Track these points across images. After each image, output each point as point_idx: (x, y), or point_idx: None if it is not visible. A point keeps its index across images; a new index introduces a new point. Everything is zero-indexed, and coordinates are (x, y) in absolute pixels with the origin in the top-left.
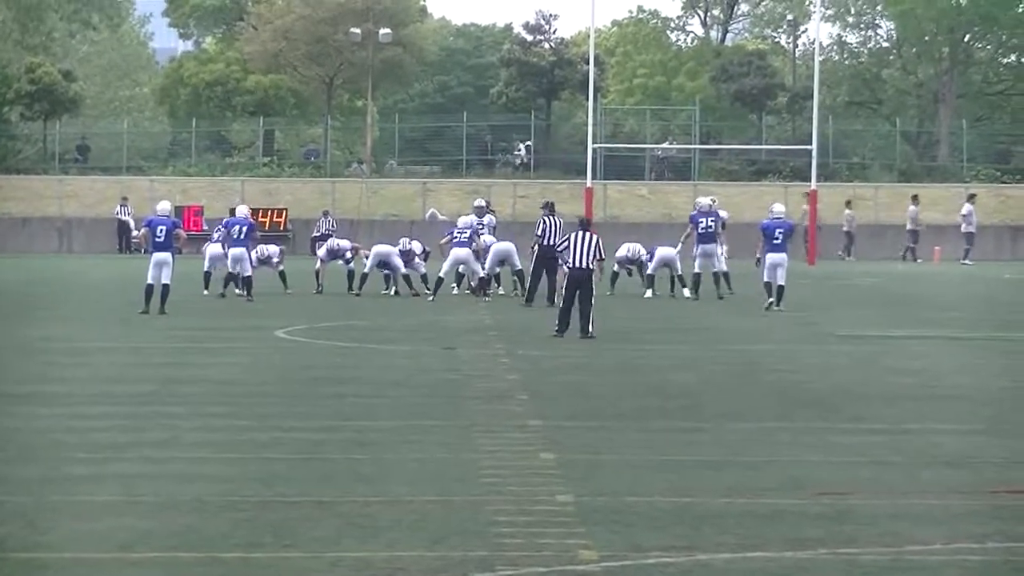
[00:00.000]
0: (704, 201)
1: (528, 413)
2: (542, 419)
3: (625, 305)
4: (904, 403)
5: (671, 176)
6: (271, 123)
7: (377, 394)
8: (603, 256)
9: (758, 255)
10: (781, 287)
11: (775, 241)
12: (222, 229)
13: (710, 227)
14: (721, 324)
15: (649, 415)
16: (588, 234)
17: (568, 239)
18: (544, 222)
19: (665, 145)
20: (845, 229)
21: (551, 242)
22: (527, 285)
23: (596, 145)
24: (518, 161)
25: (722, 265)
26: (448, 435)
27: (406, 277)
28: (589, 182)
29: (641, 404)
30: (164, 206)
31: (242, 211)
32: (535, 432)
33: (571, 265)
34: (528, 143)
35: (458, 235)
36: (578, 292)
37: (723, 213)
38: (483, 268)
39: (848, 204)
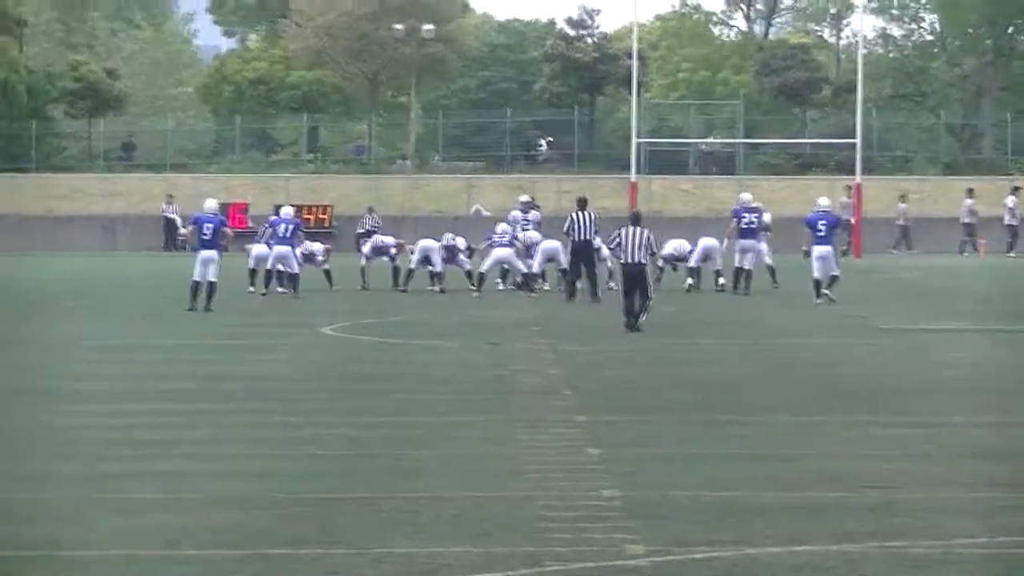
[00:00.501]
0: (747, 196)
1: (573, 408)
2: (587, 414)
3: (669, 299)
4: (946, 396)
5: (715, 171)
6: (315, 120)
7: (421, 390)
8: (656, 251)
9: (806, 248)
10: (834, 276)
11: (819, 233)
12: (268, 228)
13: (752, 223)
14: (764, 318)
15: (693, 409)
16: (640, 229)
17: (620, 234)
18: (571, 218)
19: (709, 140)
20: (900, 223)
21: (582, 237)
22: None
23: (640, 140)
24: (541, 158)
25: (767, 259)
26: (492, 430)
27: (440, 274)
28: (633, 176)
29: (685, 398)
30: (211, 204)
31: (287, 211)
32: (580, 427)
33: (624, 260)
34: (550, 139)
35: (499, 239)
36: (635, 286)
37: (766, 215)
38: (527, 264)
39: (902, 198)
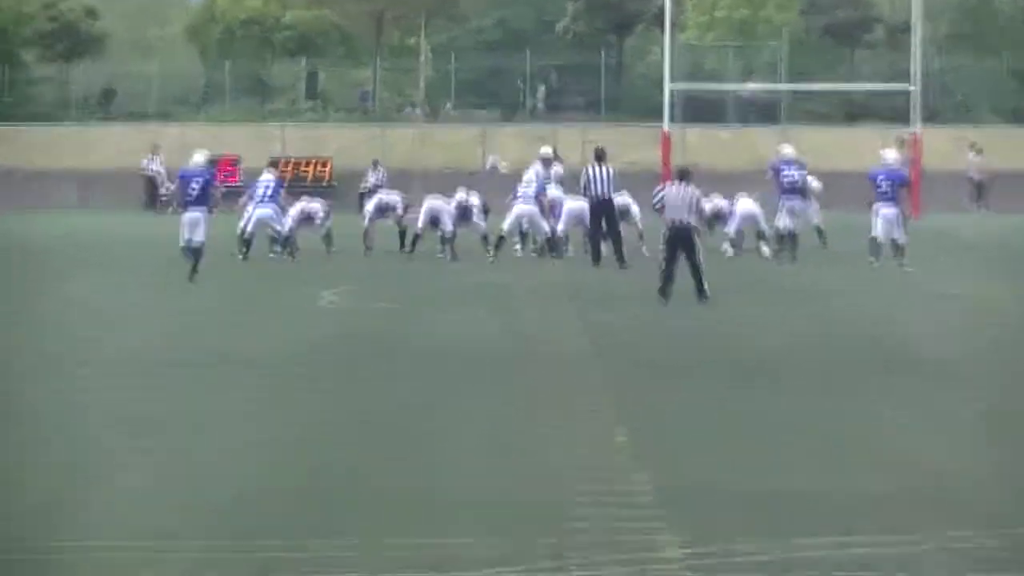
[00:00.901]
0: (787, 150)
1: (599, 384)
2: (614, 391)
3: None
4: (1017, 373)
5: (756, 120)
6: (314, 64)
7: (431, 363)
8: (704, 210)
9: (868, 201)
10: (898, 245)
11: (880, 190)
12: (251, 186)
13: (795, 179)
14: (812, 282)
15: (734, 385)
16: (687, 186)
17: (663, 191)
18: (587, 173)
19: (749, 85)
20: (973, 177)
21: (599, 194)
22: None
23: (673, 85)
24: (538, 105)
25: (815, 220)
26: (510, 410)
27: (451, 237)
28: (666, 126)
29: (724, 374)
30: (199, 157)
31: (267, 176)
32: (607, 406)
33: (669, 222)
34: (545, 86)
35: (522, 191)
36: (680, 251)
37: (814, 182)
38: (550, 225)
39: (975, 149)
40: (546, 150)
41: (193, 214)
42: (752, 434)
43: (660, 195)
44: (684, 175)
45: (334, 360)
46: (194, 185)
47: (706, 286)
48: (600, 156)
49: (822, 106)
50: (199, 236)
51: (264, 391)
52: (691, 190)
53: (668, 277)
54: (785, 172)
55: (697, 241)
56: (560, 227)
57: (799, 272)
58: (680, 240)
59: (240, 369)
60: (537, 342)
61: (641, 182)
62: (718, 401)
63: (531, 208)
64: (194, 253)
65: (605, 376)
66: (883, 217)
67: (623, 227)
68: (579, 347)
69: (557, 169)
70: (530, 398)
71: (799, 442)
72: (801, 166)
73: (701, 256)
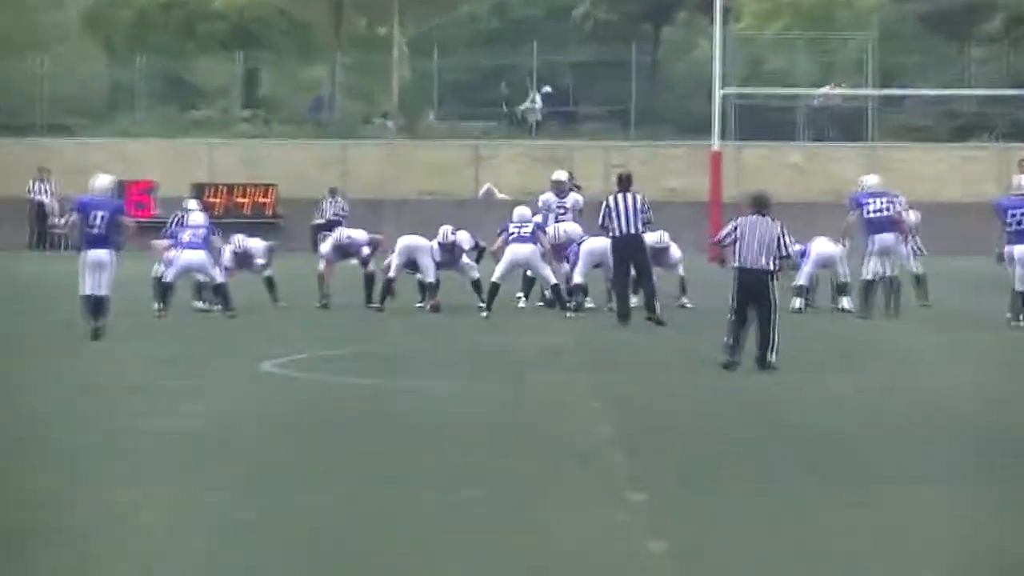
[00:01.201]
0: (872, 180)
1: (626, 478)
2: (646, 488)
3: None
4: None
5: (835, 136)
6: (254, 61)
7: (410, 450)
8: (789, 253)
9: (998, 250)
10: None
11: (1009, 228)
12: (171, 229)
13: (882, 210)
14: (906, 346)
15: (794, 479)
16: (767, 219)
17: (735, 228)
18: (608, 204)
19: (826, 90)
20: None
21: (622, 228)
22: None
23: (726, 90)
24: (532, 119)
25: (913, 266)
26: (514, 510)
27: (432, 285)
28: (715, 143)
29: (782, 462)
30: (103, 182)
31: (196, 216)
32: (637, 508)
33: (738, 265)
34: (547, 89)
35: (516, 230)
36: (753, 303)
37: (910, 215)
38: (560, 270)
39: None
40: (559, 174)
41: (96, 255)
42: (819, 545)
43: (731, 234)
44: (761, 205)
45: (281, 446)
46: (97, 218)
47: (774, 354)
48: (625, 182)
49: (921, 118)
50: (104, 285)
51: (190, 488)
52: (772, 225)
53: (736, 342)
54: (871, 204)
55: (775, 293)
56: (577, 273)
57: (888, 332)
58: (755, 291)
59: (158, 458)
60: (547, 424)
61: (682, 216)
62: (774, 498)
63: (529, 251)
64: (97, 306)
65: (634, 470)
66: (1021, 262)
67: (657, 273)
68: (598, 430)
69: (577, 198)
70: (535, 497)
71: (876, 554)
72: (892, 197)
73: (775, 313)
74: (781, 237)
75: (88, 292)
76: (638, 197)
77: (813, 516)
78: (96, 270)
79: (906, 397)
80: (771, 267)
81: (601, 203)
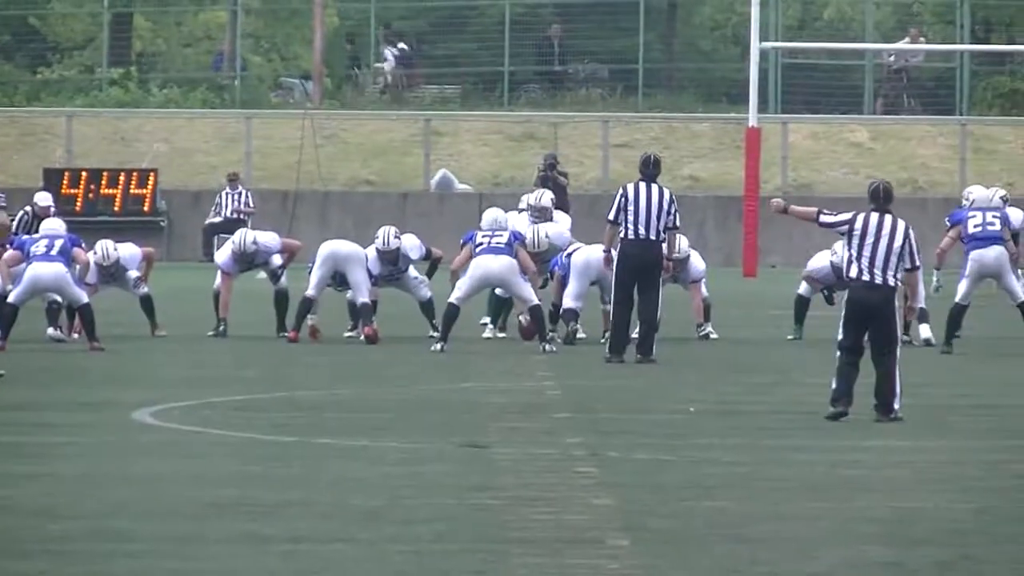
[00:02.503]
0: (982, 192)
1: None
2: None
3: (820, 354)
4: None
5: (914, 106)
6: (125, 1)
7: (340, 537)
8: (918, 263)
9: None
10: None
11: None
12: (16, 238)
13: (989, 225)
14: (1002, 398)
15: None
16: (892, 219)
17: (850, 222)
18: (625, 194)
19: (902, 45)
20: None
21: (640, 232)
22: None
23: (767, 44)
24: (381, 81)
25: (1019, 290)
26: None
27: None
28: (753, 118)
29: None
30: None
31: (51, 223)
32: None
33: (853, 278)
34: (401, 45)
35: (485, 240)
36: (870, 336)
37: (1015, 214)
38: (542, 287)
39: None
40: (542, 199)
41: None
42: None
43: (847, 222)
44: (884, 199)
45: (162, 530)
46: None
47: (898, 408)
48: (652, 168)
49: None
50: None
51: None
52: (898, 225)
53: (847, 388)
54: (973, 220)
55: (897, 319)
56: (570, 295)
57: (976, 372)
58: (871, 311)
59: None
60: (522, 505)
61: (707, 214)
62: None
63: (502, 264)
64: None
65: (638, 564)
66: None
67: (674, 291)
68: (593, 513)
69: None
70: None
71: None
72: (997, 209)
73: (898, 343)
74: (908, 240)
75: None
76: (666, 192)
77: None
78: None
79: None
80: (894, 282)
81: (607, 193)
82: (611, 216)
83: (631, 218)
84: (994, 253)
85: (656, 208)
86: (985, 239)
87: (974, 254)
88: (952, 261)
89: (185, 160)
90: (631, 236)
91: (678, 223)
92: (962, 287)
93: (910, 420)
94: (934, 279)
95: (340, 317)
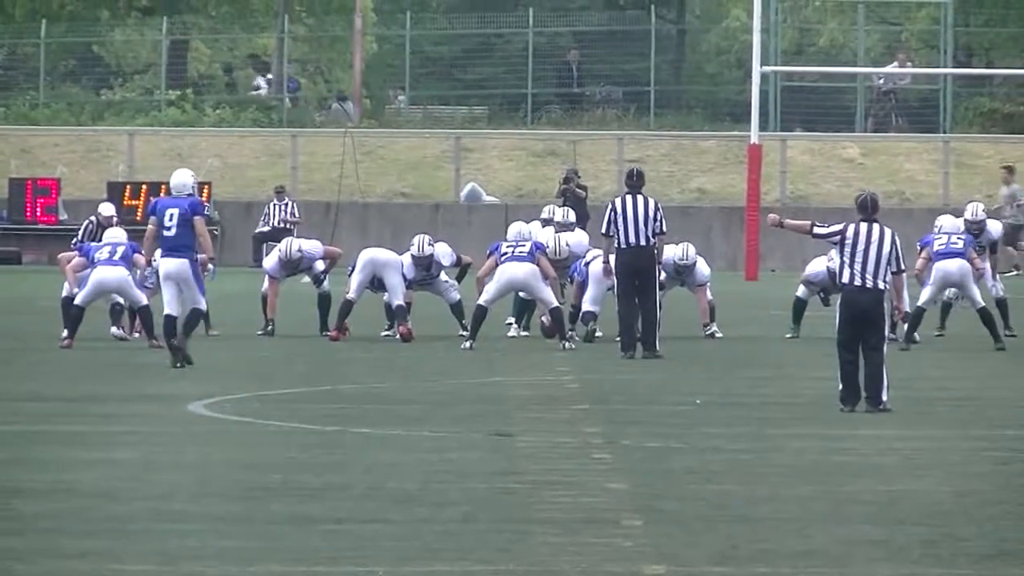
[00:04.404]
0: (950, 222)
1: (648, 557)
2: (674, 564)
3: (816, 351)
4: None
5: (901, 124)
6: (180, 28)
7: (377, 518)
8: (904, 267)
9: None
10: None
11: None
12: (81, 245)
13: (952, 244)
14: (983, 391)
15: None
16: (880, 228)
17: (842, 232)
18: (614, 209)
19: (891, 69)
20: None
21: (629, 241)
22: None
23: (767, 68)
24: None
25: (994, 287)
26: None
27: (402, 309)
28: (755, 136)
29: (858, 540)
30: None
31: (114, 232)
32: None
33: (846, 283)
34: (268, 76)
35: (509, 250)
36: (863, 334)
37: (993, 226)
38: (562, 291)
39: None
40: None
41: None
42: None
43: (839, 233)
44: (871, 209)
45: (211, 514)
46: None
47: (886, 398)
48: (636, 181)
49: (1009, 102)
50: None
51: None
52: (885, 232)
53: (851, 387)
54: (936, 238)
55: (888, 320)
56: (589, 300)
57: (964, 371)
58: (864, 313)
59: (67, 522)
60: (544, 489)
61: (712, 224)
62: None
63: (526, 270)
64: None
65: (654, 544)
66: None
67: (681, 295)
68: (611, 498)
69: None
70: None
71: None
72: (965, 232)
73: (886, 338)
74: (896, 248)
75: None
76: (651, 201)
77: None
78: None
79: (1001, 454)
80: (884, 285)
81: (607, 205)
82: (603, 229)
83: (622, 228)
84: (956, 265)
85: (643, 216)
86: (948, 254)
87: (939, 265)
88: None
89: (237, 174)
90: (623, 244)
91: (664, 229)
92: (925, 293)
93: (898, 411)
94: (946, 293)
95: (378, 318)
